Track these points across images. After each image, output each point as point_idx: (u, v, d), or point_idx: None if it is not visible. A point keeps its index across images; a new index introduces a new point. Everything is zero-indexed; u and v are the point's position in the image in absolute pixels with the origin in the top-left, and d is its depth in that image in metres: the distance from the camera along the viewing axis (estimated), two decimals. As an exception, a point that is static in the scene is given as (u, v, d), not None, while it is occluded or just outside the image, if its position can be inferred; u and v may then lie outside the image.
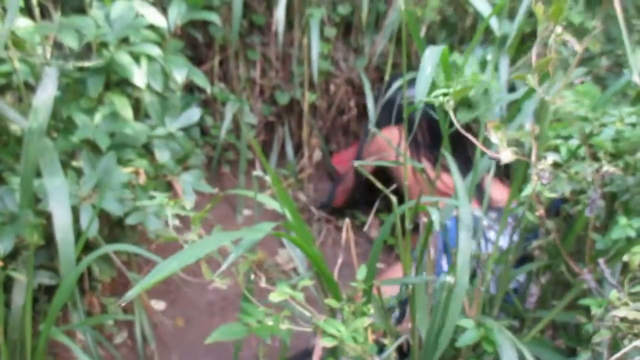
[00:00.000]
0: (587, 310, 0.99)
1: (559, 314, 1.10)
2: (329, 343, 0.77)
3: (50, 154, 1.11)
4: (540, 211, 0.81)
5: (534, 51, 0.71)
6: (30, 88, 1.37)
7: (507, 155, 0.69)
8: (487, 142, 0.90)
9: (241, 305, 0.87)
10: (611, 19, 1.95)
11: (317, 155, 2.32)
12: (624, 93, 1.44)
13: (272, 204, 0.98)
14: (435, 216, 0.79)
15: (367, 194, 2.12)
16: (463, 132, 0.74)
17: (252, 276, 0.84)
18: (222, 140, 2.06)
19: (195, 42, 2.13)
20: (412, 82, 1.93)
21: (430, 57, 0.90)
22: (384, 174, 1.71)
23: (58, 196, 1.08)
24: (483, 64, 1.67)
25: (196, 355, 1.66)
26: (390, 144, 1.05)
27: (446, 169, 1.67)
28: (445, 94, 0.72)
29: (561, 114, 0.99)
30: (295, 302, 0.79)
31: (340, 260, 1.09)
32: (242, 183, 2.07)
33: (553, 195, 0.80)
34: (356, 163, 0.95)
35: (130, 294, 0.64)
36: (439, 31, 2.18)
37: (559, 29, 0.68)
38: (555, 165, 0.95)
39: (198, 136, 1.87)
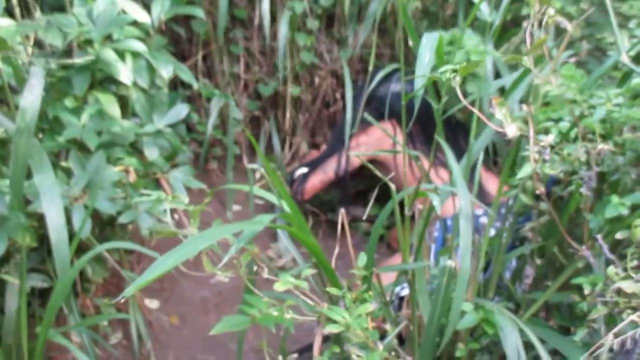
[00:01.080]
0: (579, 289, 1.01)
1: (553, 294, 1.12)
2: (335, 329, 0.78)
3: (40, 154, 1.09)
4: (541, 189, 0.82)
5: (527, 34, 0.71)
6: (12, 89, 1.35)
7: (512, 130, 0.69)
8: (482, 122, 0.91)
9: (243, 296, 0.87)
10: (591, 4, 1.98)
11: (304, 148, 2.33)
12: (609, 76, 1.47)
13: (268, 196, 0.98)
14: (436, 201, 0.80)
15: (349, 187, 2.11)
16: (470, 107, 0.74)
17: (255, 268, 0.84)
18: (208, 136, 2.05)
19: (177, 38, 2.11)
20: (395, 76, 1.92)
21: (428, 43, 0.91)
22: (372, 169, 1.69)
23: (50, 196, 1.06)
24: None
25: (192, 352, 1.65)
26: (389, 135, 1.05)
27: (443, 165, 1.66)
28: (454, 70, 0.72)
29: (550, 97, 1.01)
30: (298, 291, 0.80)
31: (337, 251, 1.09)
32: (231, 178, 2.06)
33: (553, 172, 0.82)
34: (352, 152, 0.95)
35: (129, 290, 0.64)
36: (420, 21, 2.19)
37: (551, 11, 0.69)
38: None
39: (184, 133, 1.85)
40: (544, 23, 0.70)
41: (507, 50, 1.88)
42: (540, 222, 0.98)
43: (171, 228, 0.85)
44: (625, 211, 0.89)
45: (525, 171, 0.81)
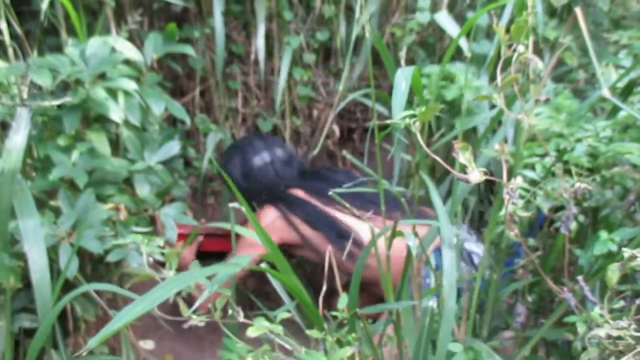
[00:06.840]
0: (575, 326, 0.97)
1: (548, 331, 1.08)
2: (311, 377, 0.75)
3: (24, 195, 1.09)
4: (515, 231, 0.80)
5: (499, 71, 0.71)
6: (9, 128, 1.36)
7: (475, 177, 0.68)
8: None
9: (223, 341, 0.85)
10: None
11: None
12: (603, 107, 1.45)
13: (249, 234, 0.97)
14: (412, 242, 0.78)
15: None
16: (434, 155, 0.73)
17: (230, 311, 0.82)
18: (204, 171, 2.05)
19: (176, 74, 2.14)
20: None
21: (402, 76, 0.91)
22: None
23: (33, 237, 1.06)
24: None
25: (186, 392, 1.62)
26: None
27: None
28: (412, 116, 0.71)
29: (537, 131, 0.99)
30: (274, 335, 0.78)
31: (324, 289, 1.07)
32: (226, 214, 2.05)
33: (526, 214, 0.80)
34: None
35: (92, 342, 0.62)
36: (417, 52, 2.20)
37: (521, 48, 0.68)
38: (533, 182, 0.95)
39: (181, 168, 1.85)
40: (514, 60, 0.69)
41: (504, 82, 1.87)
42: (528, 260, 0.95)
43: (148, 271, 0.84)
44: (614, 247, 0.86)
45: (502, 210, 0.79)
